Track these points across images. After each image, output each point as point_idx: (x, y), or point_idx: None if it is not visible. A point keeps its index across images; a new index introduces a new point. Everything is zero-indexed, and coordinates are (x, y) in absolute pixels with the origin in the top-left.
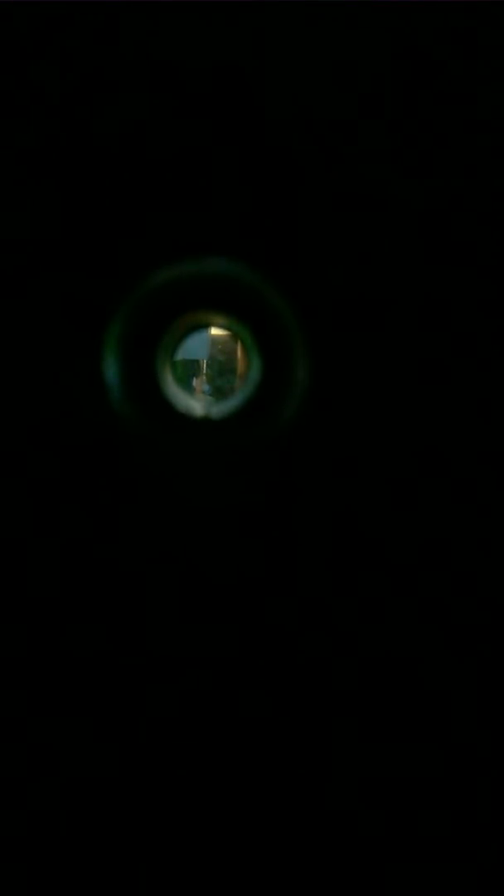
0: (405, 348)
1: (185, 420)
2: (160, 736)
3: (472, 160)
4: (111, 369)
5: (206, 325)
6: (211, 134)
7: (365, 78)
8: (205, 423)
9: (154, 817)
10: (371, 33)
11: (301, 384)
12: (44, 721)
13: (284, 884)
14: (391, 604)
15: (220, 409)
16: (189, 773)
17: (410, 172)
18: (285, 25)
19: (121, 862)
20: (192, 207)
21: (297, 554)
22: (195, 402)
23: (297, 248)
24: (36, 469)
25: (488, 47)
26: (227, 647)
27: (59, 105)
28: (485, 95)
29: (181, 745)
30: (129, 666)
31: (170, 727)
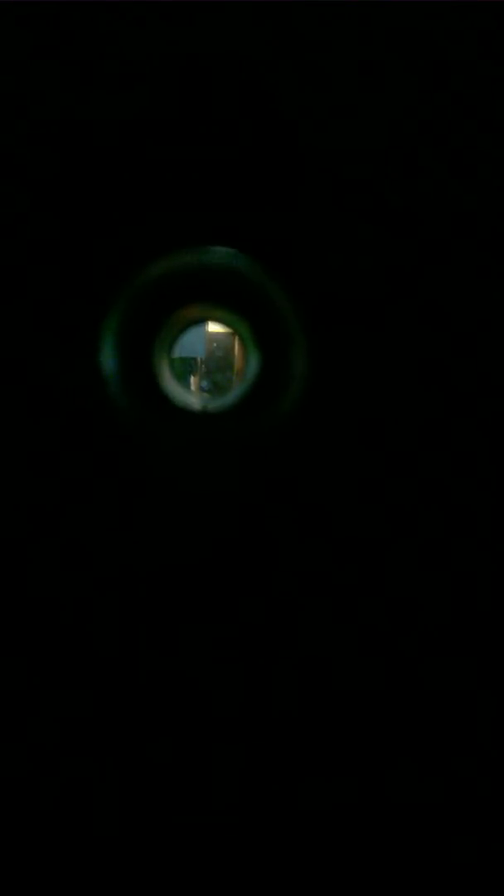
0: (403, 343)
1: (183, 413)
2: (157, 728)
3: (473, 161)
4: (109, 362)
5: (205, 320)
6: (211, 127)
7: (371, 76)
8: (202, 416)
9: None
10: (376, 32)
11: (299, 378)
12: (45, 703)
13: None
14: (389, 593)
15: (217, 404)
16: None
17: (411, 171)
18: (289, 22)
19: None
20: (191, 200)
21: (295, 545)
22: (193, 397)
23: (296, 242)
24: (34, 462)
25: (496, 48)
26: (226, 635)
27: (57, 97)
28: (492, 97)
29: (180, 737)
30: (128, 656)
31: (168, 723)
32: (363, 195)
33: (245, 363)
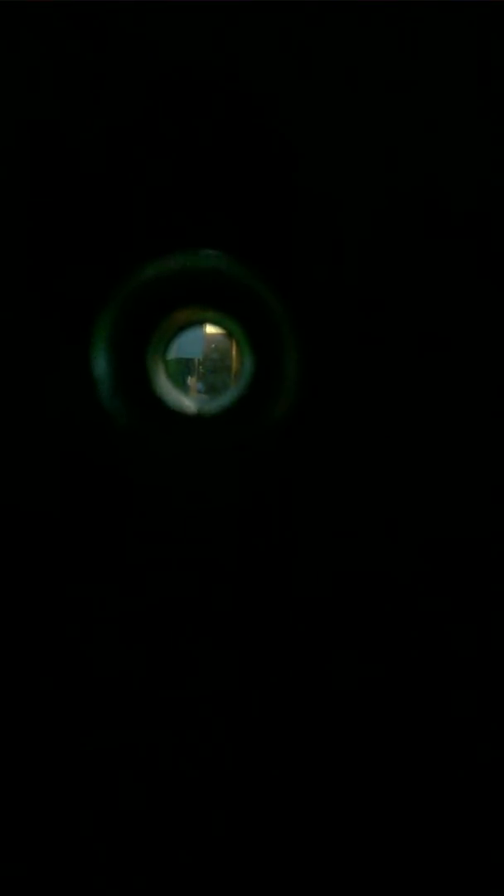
0: (395, 347)
1: (177, 417)
2: (163, 738)
3: (467, 158)
4: (100, 365)
5: (199, 322)
6: (204, 131)
7: (361, 76)
8: (196, 420)
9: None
10: (365, 34)
11: (292, 382)
12: (46, 721)
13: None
14: (387, 595)
15: (211, 407)
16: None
17: (403, 174)
18: (280, 25)
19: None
20: (184, 203)
21: (290, 548)
22: (188, 400)
23: (289, 245)
24: (23, 467)
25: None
26: (226, 641)
27: (51, 100)
28: (497, 90)
29: (181, 743)
30: (128, 665)
31: (171, 728)
32: (357, 200)
33: (240, 365)
